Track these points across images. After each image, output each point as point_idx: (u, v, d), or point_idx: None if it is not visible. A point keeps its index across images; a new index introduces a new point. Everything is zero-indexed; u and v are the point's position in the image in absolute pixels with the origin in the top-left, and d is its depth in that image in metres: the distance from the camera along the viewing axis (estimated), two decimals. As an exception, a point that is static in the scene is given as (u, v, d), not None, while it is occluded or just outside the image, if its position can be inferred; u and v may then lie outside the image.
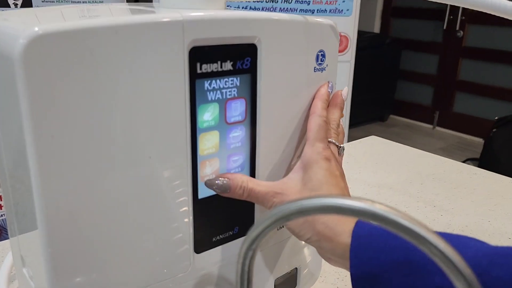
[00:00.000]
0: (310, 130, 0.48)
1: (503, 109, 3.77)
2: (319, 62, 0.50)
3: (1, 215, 1.58)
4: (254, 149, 0.47)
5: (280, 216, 0.28)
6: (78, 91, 0.34)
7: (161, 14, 0.38)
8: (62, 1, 1.80)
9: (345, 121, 2.20)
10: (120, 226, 0.39)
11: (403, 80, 4.47)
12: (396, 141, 1.34)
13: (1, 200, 1.51)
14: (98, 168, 0.36)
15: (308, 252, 0.57)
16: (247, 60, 0.43)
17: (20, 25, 0.35)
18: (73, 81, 0.34)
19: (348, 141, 2.28)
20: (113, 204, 0.38)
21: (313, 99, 0.51)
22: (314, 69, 0.50)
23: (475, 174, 1.10)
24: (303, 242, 0.56)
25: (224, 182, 0.45)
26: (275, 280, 0.55)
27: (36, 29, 0.32)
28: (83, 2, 1.86)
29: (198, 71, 0.40)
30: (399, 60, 4.42)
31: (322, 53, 0.50)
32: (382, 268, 0.38)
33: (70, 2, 1.82)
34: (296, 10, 2.00)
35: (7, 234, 0.49)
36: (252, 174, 0.48)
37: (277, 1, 1.90)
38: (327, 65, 0.51)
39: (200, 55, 0.40)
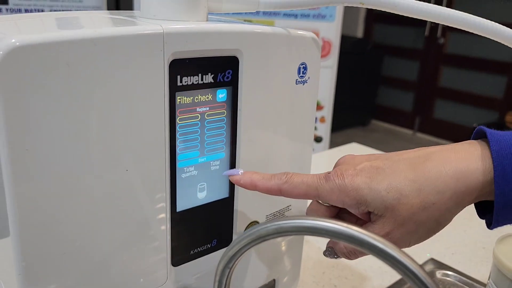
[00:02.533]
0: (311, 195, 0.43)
1: (482, 116, 3.83)
2: (301, 74, 0.50)
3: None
4: (234, 164, 0.47)
5: (258, 236, 0.28)
6: (54, 104, 0.33)
7: (141, 26, 0.38)
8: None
9: (326, 126, 2.21)
10: (96, 237, 0.38)
11: (385, 85, 4.51)
12: (377, 146, 1.35)
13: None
14: (74, 180, 0.36)
15: (287, 263, 0.57)
16: (228, 73, 0.43)
17: (2, 31, 0.34)
18: (50, 93, 0.33)
19: (330, 146, 2.29)
20: (88, 215, 0.37)
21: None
22: (296, 81, 0.50)
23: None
24: (283, 253, 0.56)
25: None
26: (253, 291, 0.54)
27: (13, 40, 0.31)
28: (61, 7, 1.85)
29: (179, 83, 0.40)
30: (381, 65, 4.46)
31: (304, 65, 0.50)
32: None
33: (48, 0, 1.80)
34: (280, 14, 2.00)
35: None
36: (232, 187, 0.48)
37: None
38: (309, 77, 0.51)
39: (180, 68, 0.39)
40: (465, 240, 0.84)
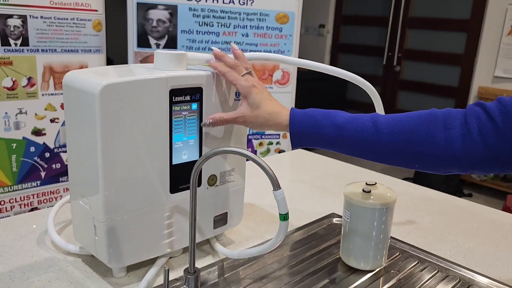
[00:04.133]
0: (230, 80, 0.90)
1: (434, 134, 4.30)
2: (237, 95, 0.94)
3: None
4: (201, 141, 0.90)
5: (207, 156, 0.72)
6: (123, 116, 0.77)
7: (157, 74, 0.81)
8: (52, 40, 2.21)
9: (288, 141, 2.65)
10: (138, 178, 0.81)
11: (350, 108, 5.00)
12: (344, 164, 1.69)
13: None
14: (132, 151, 0.79)
15: (234, 202, 1.00)
16: (198, 95, 0.87)
17: (97, 77, 0.77)
18: (121, 110, 0.76)
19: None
20: (137, 167, 0.80)
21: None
22: (234, 99, 0.94)
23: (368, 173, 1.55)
24: (231, 196, 0.99)
25: (210, 121, 0.88)
26: (214, 217, 0.97)
27: (104, 82, 0.75)
28: (70, 46, 2.28)
29: (173, 100, 0.83)
30: (346, 90, 4.96)
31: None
32: (305, 127, 0.85)
33: (55, 39, 2.22)
34: (247, 50, 2.46)
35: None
36: (200, 154, 0.91)
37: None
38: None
39: (174, 93, 0.83)
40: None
